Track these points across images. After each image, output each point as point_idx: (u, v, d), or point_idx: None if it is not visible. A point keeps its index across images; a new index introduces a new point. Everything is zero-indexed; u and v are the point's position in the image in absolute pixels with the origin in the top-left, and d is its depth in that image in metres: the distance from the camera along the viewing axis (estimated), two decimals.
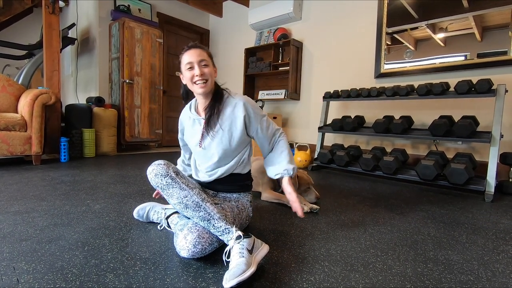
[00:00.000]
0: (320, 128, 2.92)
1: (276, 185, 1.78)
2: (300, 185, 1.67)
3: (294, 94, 3.57)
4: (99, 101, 3.30)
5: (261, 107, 3.56)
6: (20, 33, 4.39)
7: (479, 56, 2.36)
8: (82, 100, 3.89)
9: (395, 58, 2.82)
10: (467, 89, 2.08)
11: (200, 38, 4.90)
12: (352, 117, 2.81)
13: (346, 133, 2.70)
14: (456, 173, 1.94)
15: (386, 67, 2.87)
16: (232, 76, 4.52)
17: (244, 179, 1.23)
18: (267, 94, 3.81)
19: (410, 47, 2.72)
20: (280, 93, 3.65)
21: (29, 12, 4.06)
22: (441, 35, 2.55)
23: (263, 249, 0.95)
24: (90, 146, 3.13)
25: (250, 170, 1.26)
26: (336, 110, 3.28)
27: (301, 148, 3.43)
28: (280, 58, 3.75)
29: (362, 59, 3.05)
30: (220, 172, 1.17)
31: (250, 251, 0.90)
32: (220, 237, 0.97)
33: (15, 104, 2.73)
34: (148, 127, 3.78)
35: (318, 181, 2.31)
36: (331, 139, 3.30)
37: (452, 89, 2.32)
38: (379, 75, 2.90)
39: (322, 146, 2.98)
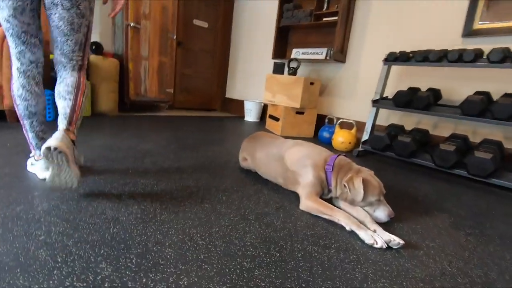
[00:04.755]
0: (375, 102, 2.18)
1: (325, 187, 1.16)
2: (366, 195, 1.03)
3: (340, 54, 2.78)
4: (96, 48, 2.68)
5: (295, 68, 2.82)
6: None
7: None
8: None
9: (498, 12, 1.94)
10: None
11: None
12: (424, 90, 2.05)
13: (416, 112, 1.96)
14: None
15: (481, 23, 2.01)
16: (261, 29, 3.71)
17: None
18: (303, 53, 3.03)
19: None
20: (321, 53, 2.87)
21: None
22: None
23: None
24: None
25: None
26: (392, 80, 2.50)
27: (345, 125, 2.73)
28: (326, 6, 2.91)
29: (443, 9, 2.18)
30: None
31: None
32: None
33: None
34: (157, 84, 3.17)
35: (394, 184, 1.66)
36: (383, 117, 2.57)
37: None
38: (470, 32, 2.05)
39: (374, 125, 2.27)
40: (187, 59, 3.90)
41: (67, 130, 1.02)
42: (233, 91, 4.25)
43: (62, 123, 1.03)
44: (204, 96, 4.22)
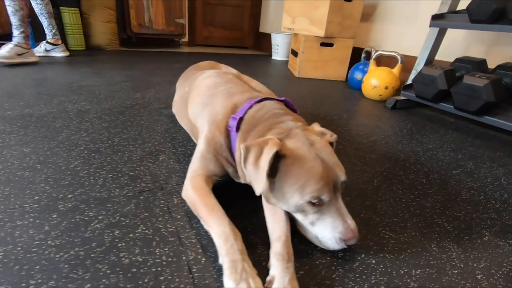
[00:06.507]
0: (436, 18, 1.30)
1: (225, 161, 0.58)
2: (282, 185, 0.45)
3: None
4: None
5: None
6: None
7: None
8: None
9: None
10: None
11: None
12: None
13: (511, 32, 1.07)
14: None
15: None
16: None
17: None
18: None
19: None
20: None
21: None
22: None
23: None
24: (75, 34, 2.30)
25: None
26: None
27: (387, 61, 1.88)
28: None
29: None
30: None
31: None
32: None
33: None
34: (163, 13, 2.69)
35: (399, 147, 0.97)
36: (458, 48, 1.63)
37: None
38: None
39: (432, 60, 1.42)
40: None
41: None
42: (268, 25, 3.50)
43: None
44: (234, 30, 3.59)
